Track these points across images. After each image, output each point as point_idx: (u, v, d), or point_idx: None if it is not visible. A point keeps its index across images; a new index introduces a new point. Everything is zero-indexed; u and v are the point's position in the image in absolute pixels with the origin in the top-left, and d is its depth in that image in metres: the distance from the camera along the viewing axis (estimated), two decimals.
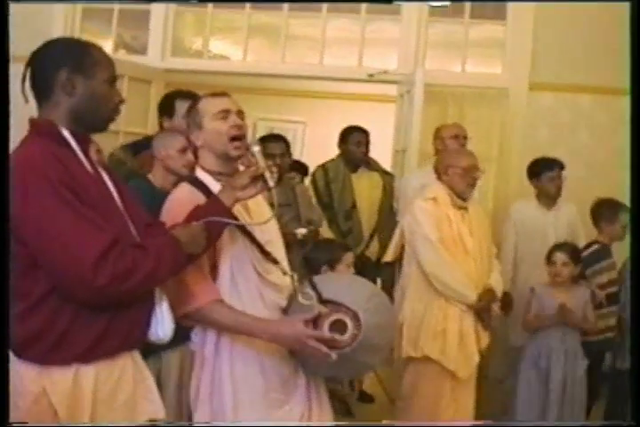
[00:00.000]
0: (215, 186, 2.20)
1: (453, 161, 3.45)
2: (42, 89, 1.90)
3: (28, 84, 1.91)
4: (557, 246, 3.80)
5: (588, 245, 4.04)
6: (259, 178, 2.09)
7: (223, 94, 2.28)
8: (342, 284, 2.35)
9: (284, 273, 2.25)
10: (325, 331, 2.09)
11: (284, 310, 2.23)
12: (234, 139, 2.19)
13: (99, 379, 1.85)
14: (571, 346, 3.63)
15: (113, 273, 1.73)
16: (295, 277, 2.25)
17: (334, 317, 2.12)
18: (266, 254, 2.22)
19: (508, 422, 3.67)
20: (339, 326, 2.11)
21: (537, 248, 4.15)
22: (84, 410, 1.84)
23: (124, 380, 1.93)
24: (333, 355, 2.03)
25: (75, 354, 1.82)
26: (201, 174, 2.25)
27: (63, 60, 1.89)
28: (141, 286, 1.83)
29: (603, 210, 4.02)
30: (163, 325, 1.99)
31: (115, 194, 1.96)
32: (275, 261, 2.24)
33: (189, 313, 2.09)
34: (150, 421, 2.01)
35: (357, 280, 2.45)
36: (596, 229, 4.02)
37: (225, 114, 2.21)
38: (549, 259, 3.74)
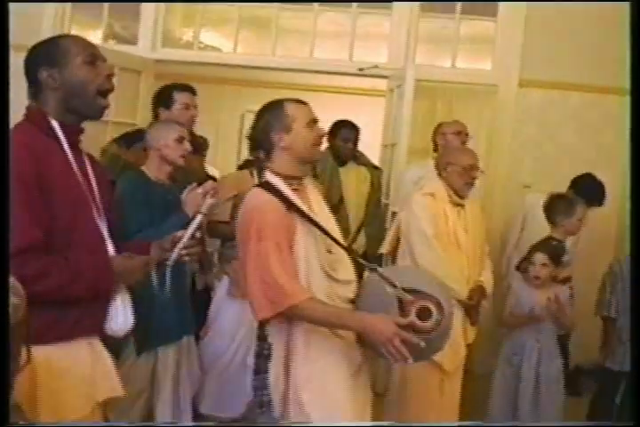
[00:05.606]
0: (286, 189, 2.30)
1: (453, 159, 3.47)
2: (34, 93, 2.00)
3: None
4: (537, 246, 3.67)
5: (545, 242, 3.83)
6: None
7: (306, 103, 2.41)
8: (408, 274, 2.58)
9: (371, 269, 2.38)
10: (413, 317, 2.22)
11: (352, 301, 2.35)
12: (315, 145, 2.39)
13: (52, 358, 1.88)
14: (545, 345, 3.55)
15: (19, 274, 1.67)
16: (380, 269, 2.36)
17: (420, 303, 2.25)
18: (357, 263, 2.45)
19: (508, 423, 3.63)
20: (424, 313, 2.24)
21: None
22: (40, 384, 1.85)
23: (80, 359, 1.98)
24: (422, 343, 2.12)
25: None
26: (272, 179, 2.33)
27: (38, 61, 1.98)
28: (50, 295, 1.84)
29: (558, 204, 3.85)
30: (117, 319, 2.03)
31: (95, 189, 2.02)
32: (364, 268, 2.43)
33: (284, 311, 2.17)
34: (109, 399, 2.07)
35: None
36: (550, 224, 3.85)
37: (313, 123, 2.36)
38: (528, 259, 3.61)
